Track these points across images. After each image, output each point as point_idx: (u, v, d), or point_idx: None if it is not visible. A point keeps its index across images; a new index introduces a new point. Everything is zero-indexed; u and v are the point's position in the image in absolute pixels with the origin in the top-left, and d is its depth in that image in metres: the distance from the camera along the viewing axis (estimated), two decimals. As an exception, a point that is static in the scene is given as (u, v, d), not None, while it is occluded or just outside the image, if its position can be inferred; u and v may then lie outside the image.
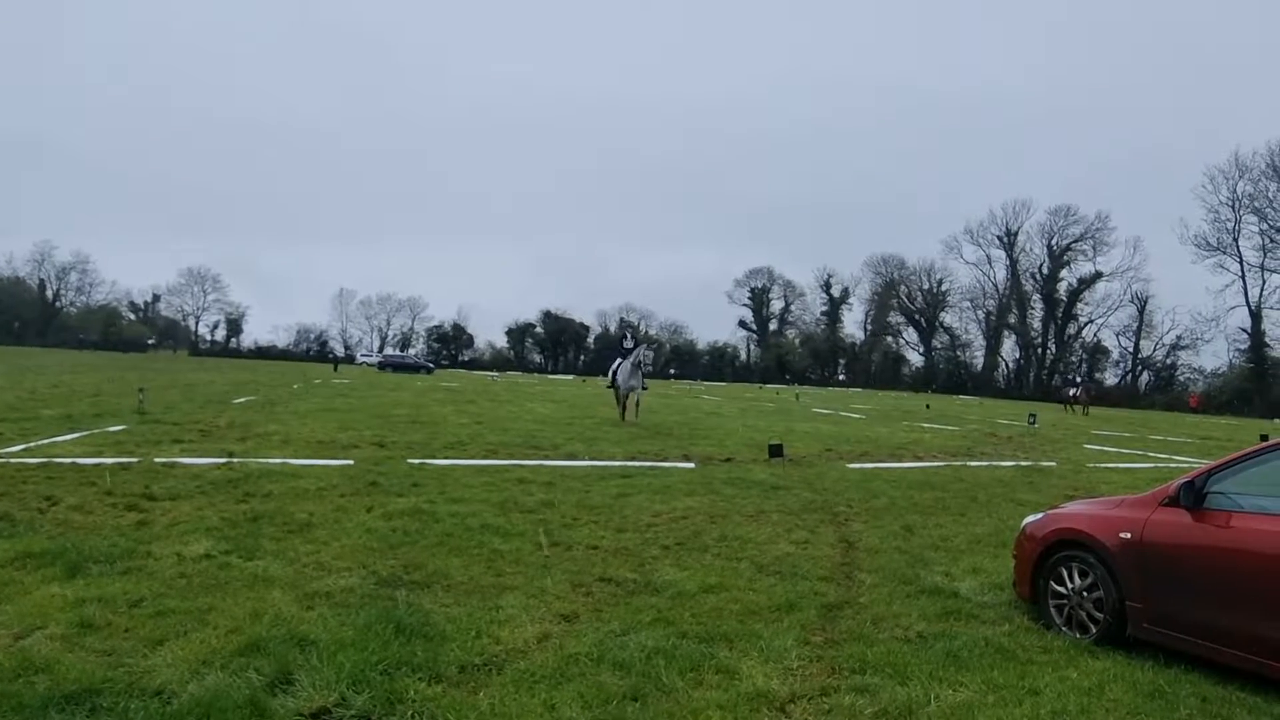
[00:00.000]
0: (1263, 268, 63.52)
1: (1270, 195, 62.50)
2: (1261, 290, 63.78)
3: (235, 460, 9.49)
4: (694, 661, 3.90)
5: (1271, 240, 62.85)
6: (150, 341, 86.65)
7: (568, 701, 3.40)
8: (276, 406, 18.76)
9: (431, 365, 68.72)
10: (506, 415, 19.13)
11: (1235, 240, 64.68)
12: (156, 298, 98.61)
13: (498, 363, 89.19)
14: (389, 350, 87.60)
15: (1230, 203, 64.65)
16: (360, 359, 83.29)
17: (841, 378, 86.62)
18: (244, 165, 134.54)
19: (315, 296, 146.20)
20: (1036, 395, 68.26)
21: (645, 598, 5.00)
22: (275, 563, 5.34)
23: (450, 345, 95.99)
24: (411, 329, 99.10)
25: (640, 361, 17.60)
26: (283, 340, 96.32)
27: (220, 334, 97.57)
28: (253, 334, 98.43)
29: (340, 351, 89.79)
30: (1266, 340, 63.29)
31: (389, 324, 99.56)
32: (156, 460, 9.24)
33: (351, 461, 9.96)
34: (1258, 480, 4.18)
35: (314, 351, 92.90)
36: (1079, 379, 52.04)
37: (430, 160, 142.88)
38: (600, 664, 3.82)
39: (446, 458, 10.79)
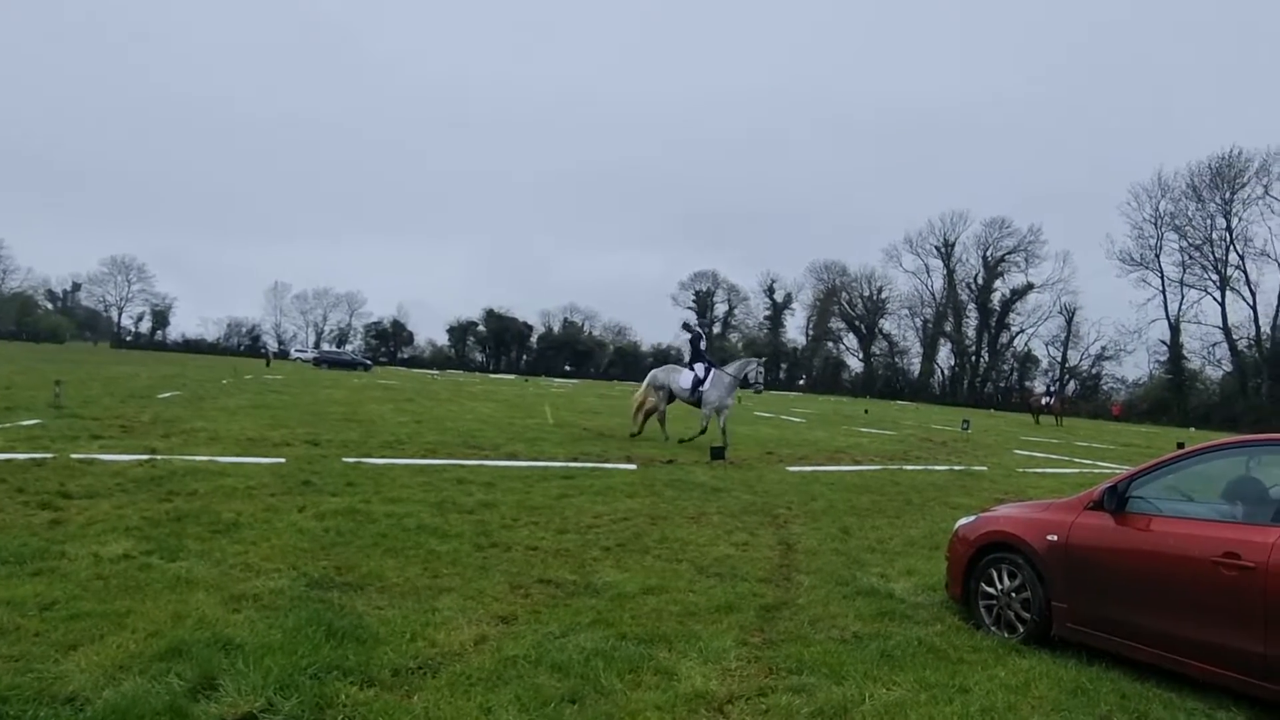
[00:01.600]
0: (1181, 283, 66.55)
1: (1190, 214, 65.52)
2: (1180, 305, 66.87)
3: (159, 457, 9.11)
4: (633, 663, 3.89)
5: (1190, 257, 65.89)
6: (162, 339, 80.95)
7: (504, 704, 3.35)
8: (204, 402, 18.10)
9: (369, 362, 67.21)
10: (446, 414, 18.84)
11: (1157, 256, 67.68)
12: (77, 286, 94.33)
13: (438, 361, 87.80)
14: (325, 346, 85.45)
15: (1153, 220, 67.65)
16: (295, 354, 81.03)
17: (801, 382, 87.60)
18: (175, 151, 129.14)
19: (248, 290, 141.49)
20: (970, 402, 70.40)
21: (585, 599, 4.97)
22: (200, 564, 5.14)
23: (389, 342, 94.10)
24: (349, 325, 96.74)
25: (750, 377, 14.46)
26: (212, 334, 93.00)
27: (145, 326, 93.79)
28: (180, 327, 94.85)
29: (274, 347, 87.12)
30: (1184, 353, 66.35)
31: (325, 319, 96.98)
32: (73, 457, 8.80)
33: (283, 460, 9.67)
34: (1175, 485, 4.39)
35: (245, 346, 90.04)
36: (1051, 387, 49.84)
37: (372, 155, 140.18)
38: (538, 666, 3.78)
39: (383, 457, 10.56)
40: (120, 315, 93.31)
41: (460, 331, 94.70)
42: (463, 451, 11.71)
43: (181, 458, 9.22)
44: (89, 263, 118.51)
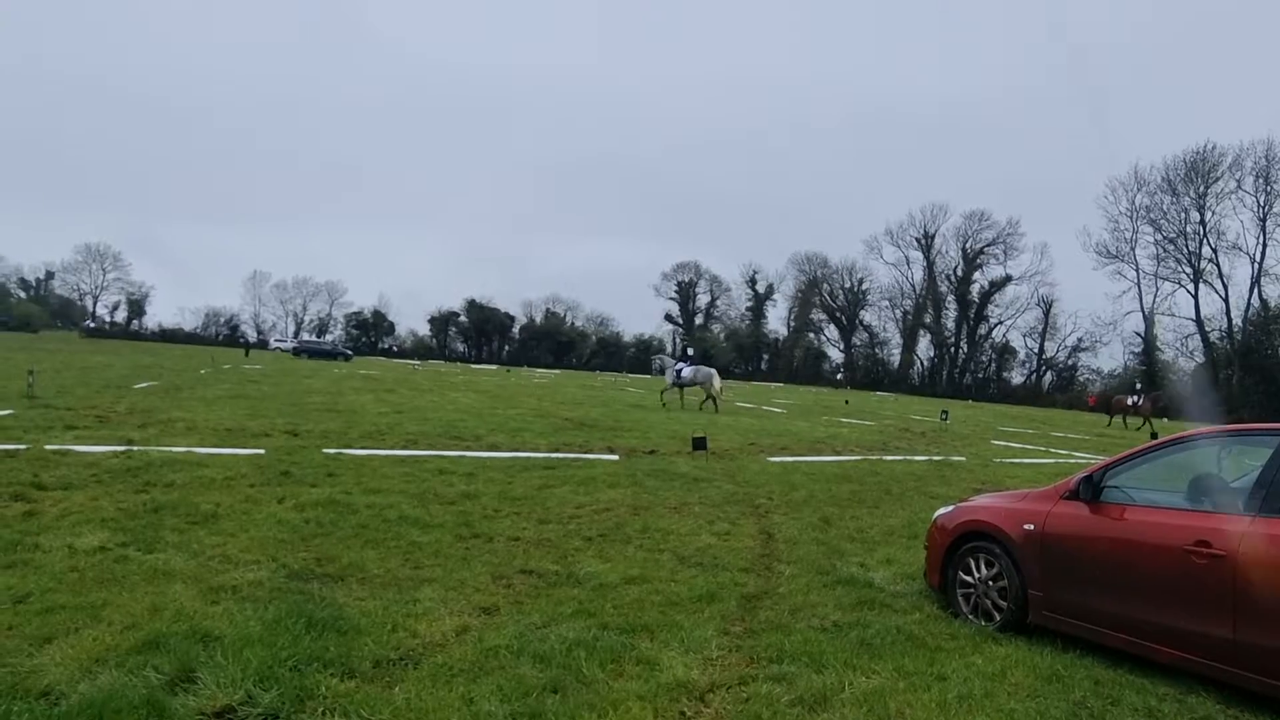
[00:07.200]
0: (1156, 276, 67.43)
1: (1164, 208, 66.27)
2: (1154, 298, 67.79)
3: (135, 448, 9.00)
4: (615, 653, 3.90)
5: (1164, 250, 66.71)
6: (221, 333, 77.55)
7: (486, 695, 3.35)
8: (181, 392, 17.90)
9: (350, 352, 66.57)
10: (427, 405, 18.75)
11: (1132, 249, 68.45)
12: (50, 275, 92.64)
13: (419, 351, 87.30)
14: (305, 336, 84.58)
15: (1129, 213, 68.36)
16: (274, 344, 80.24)
17: (835, 379, 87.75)
18: (151, 136, 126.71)
19: (226, 278, 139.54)
20: (949, 393, 71.09)
21: (567, 589, 4.98)
22: (177, 555, 5.09)
23: (370, 332, 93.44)
24: (329, 314, 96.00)
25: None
26: (189, 323, 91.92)
27: (121, 315, 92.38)
28: (156, 316, 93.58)
29: (252, 336, 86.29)
30: (1157, 345, 67.46)
31: (305, 309, 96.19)
32: (47, 447, 8.68)
33: (262, 450, 9.59)
34: (1149, 475, 4.46)
35: (223, 335, 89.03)
36: (1140, 385, 42.74)
37: (354, 142, 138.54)
38: (520, 656, 3.78)
39: (364, 447, 10.50)
40: (95, 304, 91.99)
41: (442, 322, 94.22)
42: (444, 442, 11.67)
43: (158, 448, 9.12)
44: (63, 250, 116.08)
